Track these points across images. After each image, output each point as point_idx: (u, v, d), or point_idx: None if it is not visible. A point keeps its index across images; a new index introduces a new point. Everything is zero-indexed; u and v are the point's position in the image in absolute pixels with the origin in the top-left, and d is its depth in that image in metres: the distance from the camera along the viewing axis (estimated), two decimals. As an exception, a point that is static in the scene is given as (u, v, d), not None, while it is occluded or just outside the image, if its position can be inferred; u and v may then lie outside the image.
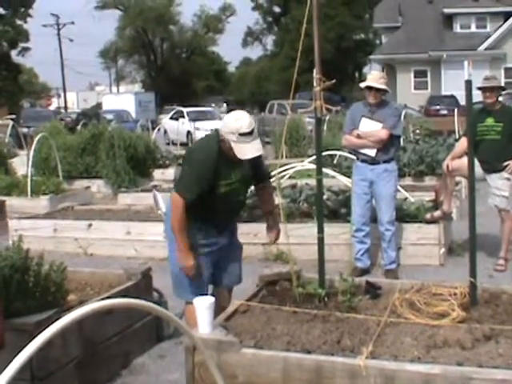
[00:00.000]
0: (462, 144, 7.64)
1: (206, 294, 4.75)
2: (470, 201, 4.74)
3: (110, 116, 34.16)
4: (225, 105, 62.41)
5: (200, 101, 61.50)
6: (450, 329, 4.12)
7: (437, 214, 8.13)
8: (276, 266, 6.67)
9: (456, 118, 20.22)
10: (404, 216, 8.25)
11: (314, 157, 5.73)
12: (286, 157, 16.81)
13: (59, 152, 14.57)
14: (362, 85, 7.61)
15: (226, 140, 4.71)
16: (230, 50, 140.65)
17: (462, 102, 21.57)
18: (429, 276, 6.76)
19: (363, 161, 7.61)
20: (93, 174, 15.51)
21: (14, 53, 62.61)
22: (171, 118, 34.65)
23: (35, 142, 13.52)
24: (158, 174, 16.18)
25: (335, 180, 9.57)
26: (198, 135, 23.54)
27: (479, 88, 7.69)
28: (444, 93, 38.65)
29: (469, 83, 4.57)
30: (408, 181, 13.11)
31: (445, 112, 31.01)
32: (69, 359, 4.67)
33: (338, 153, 12.66)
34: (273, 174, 9.34)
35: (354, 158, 7.93)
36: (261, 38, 79.34)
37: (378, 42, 57.05)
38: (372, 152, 7.51)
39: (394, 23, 45.79)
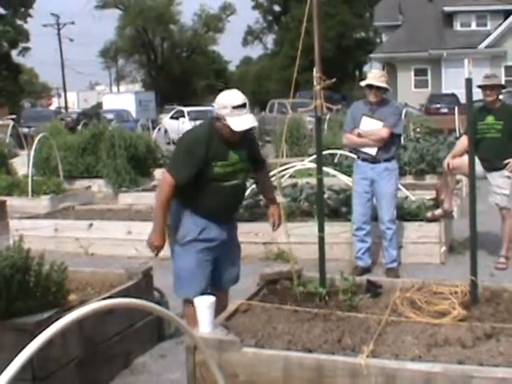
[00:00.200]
0: (463, 142, 7.64)
1: (207, 294, 4.75)
2: (470, 199, 4.74)
3: (110, 116, 34.17)
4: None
5: (200, 100, 61.49)
6: (451, 327, 4.12)
7: (438, 212, 8.13)
8: (277, 265, 6.67)
9: (456, 116, 20.21)
10: (405, 214, 8.24)
11: (315, 156, 5.73)
12: (287, 156, 16.81)
13: (60, 152, 14.57)
14: (363, 83, 7.60)
15: (221, 116, 4.76)
16: (231, 49, 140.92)
17: (463, 100, 21.52)
18: (430, 274, 6.77)
19: (364, 159, 7.61)
20: (93, 174, 15.51)
21: (14, 53, 62.71)
22: (172, 118, 34.67)
23: (36, 142, 13.52)
24: (158, 173, 16.12)
25: (336, 179, 9.56)
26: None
27: (479, 86, 7.69)
28: (444, 91, 38.63)
29: (469, 81, 4.57)
30: (409, 179, 13.11)
31: (445, 110, 31.02)
32: (70, 359, 4.66)
33: (339, 152, 12.67)
34: (273, 173, 9.36)
35: (355, 156, 7.93)
36: (261, 36, 79.37)
37: (378, 40, 57.06)
38: (373, 151, 7.50)
39: (395, 22, 45.78)
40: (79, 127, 22.02)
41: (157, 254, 5.02)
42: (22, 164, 16.18)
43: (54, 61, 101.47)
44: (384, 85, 7.43)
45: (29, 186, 12.26)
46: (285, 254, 8.08)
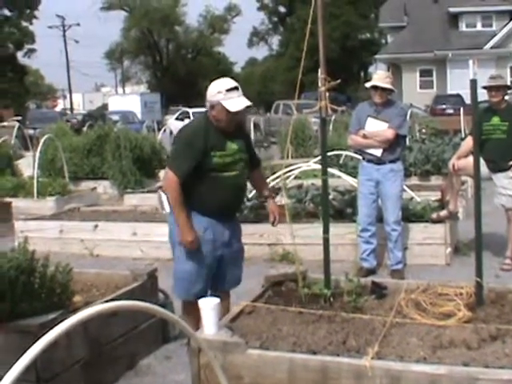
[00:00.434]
0: (468, 143, 7.62)
1: (208, 295, 4.75)
2: (475, 200, 4.73)
3: (115, 117, 34.21)
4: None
5: (205, 101, 61.29)
6: (456, 329, 4.11)
7: (443, 213, 8.11)
8: (282, 266, 6.67)
9: (462, 117, 20.18)
10: (410, 216, 8.23)
11: (320, 157, 5.72)
12: (292, 157, 16.80)
13: (65, 153, 14.61)
14: (368, 84, 7.59)
15: (215, 102, 4.86)
16: (236, 50, 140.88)
17: (468, 101, 21.46)
18: (435, 276, 6.75)
19: (369, 161, 7.60)
20: (99, 175, 15.53)
21: (19, 54, 62.85)
22: (177, 119, 34.70)
23: (41, 144, 13.54)
24: (163, 174, 16.15)
25: (341, 180, 9.55)
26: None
27: (485, 87, 7.67)
28: (450, 92, 38.56)
29: (474, 82, 4.55)
30: (414, 180, 13.10)
31: (451, 111, 30.99)
32: (74, 360, 4.66)
33: (344, 153, 12.66)
34: (279, 174, 9.36)
35: (360, 157, 7.92)
36: (266, 38, 79.39)
37: (383, 41, 56.99)
38: (378, 152, 7.49)
39: (400, 22, 45.72)
40: (84, 129, 22.05)
41: (197, 248, 4.96)
42: (28, 165, 16.23)
43: (60, 62, 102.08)
44: (389, 86, 7.42)
45: (34, 188, 12.28)
46: (290, 256, 8.07)
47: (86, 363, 4.76)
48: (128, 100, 51.02)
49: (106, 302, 4.14)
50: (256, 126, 26.95)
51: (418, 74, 43.40)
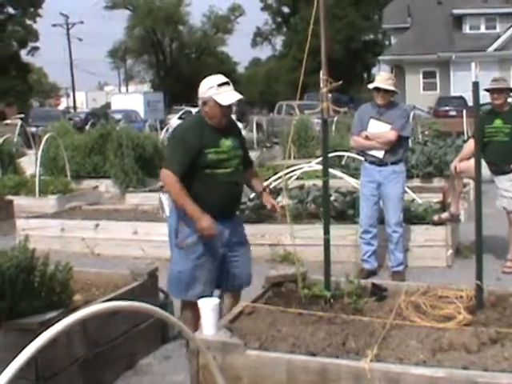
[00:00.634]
0: (470, 146, 7.60)
1: (208, 296, 4.75)
2: (476, 202, 4.72)
3: (118, 116, 34.23)
4: (234, 106, 62.30)
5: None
6: (456, 332, 4.10)
7: (444, 215, 8.10)
8: (283, 267, 6.65)
9: (465, 119, 20.16)
10: (412, 217, 8.22)
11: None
12: (295, 157, 16.79)
13: (67, 151, 14.60)
14: (370, 86, 7.59)
15: (207, 98, 4.91)
16: (239, 50, 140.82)
17: (471, 102, 21.46)
18: (436, 278, 6.74)
19: (371, 162, 7.59)
20: (101, 174, 15.50)
21: (23, 52, 62.91)
22: (180, 118, 34.65)
23: (43, 142, 13.54)
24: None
25: (343, 181, 9.54)
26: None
27: (487, 90, 7.66)
28: (453, 94, 38.52)
29: (476, 85, 4.54)
30: (416, 182, 13.06)
31: (454, 113, 30.98)
32: (74, 359, 4.66)
33: (347, 154, 12.64)
34: (280, 174, 9.35)
35: (362, 159, 7.91)
36: (270, 38, 79.45)
37: (386, 42, 56.95)
38: (380, 153, 7.48)
39: (403, 24, 45.73)
40: (87, 127, 22.04)
41: (215, 235, 4.92)
42: (30, 163, 16.23)
43: (63, 60, 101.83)
44: (391, 87, 7.41)
45: (36, 186, 12.27)
46: (291, 256, 8.05)
47: (86, 362, 4.76)
48: (131, 99, 51.00)
49: (106, 301, 4.14)
50: (259, 126, 26.95)
51: (421, 75, 43.38)
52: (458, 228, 8.70)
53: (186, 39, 78.47)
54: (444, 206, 8.48)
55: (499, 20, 42.21)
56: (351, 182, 9.22)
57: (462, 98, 33.81)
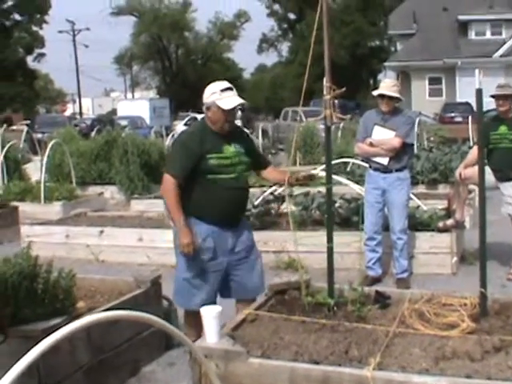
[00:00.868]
0: (475, 152, 7.57)
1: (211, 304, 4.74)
2: (480, 209, 4.70)
3: (124, 122, 34.27)
4: (240, 112, 62.41)
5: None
6: (459, 340, 4.08)
7: (449, 222, 8.08)
8: (287, 274, 6.64)
9: (470, 125, 20.12)
10: (416, 224, 8.20)
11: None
12: (300, 164, 16.78)
13: (73, 158, 14.63)
14: (375, 93, 7.57)
15: (210, 103, 4.96)
16: (245, 56, 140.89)
17: (477, 109, 21.41)
18: (440, 285, 6.73)
19: (376, 169, 7.59)
20: (106, 180, 15.52)
21: (29, 59, 63.15)
22: (185, 125, 34.67)
23: (48, 148, 13.56)
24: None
25: (348, 188, 9.52)
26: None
27: (492, 96, 7.65)
28: (459, 100, 38.46)
29: (479, 92, 4.54)
30: (421, 189, 13.04)
31: (459, 119, 30.93)
32: (77, 367, 4.66)
33: (352, 160, 12.63)
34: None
35: (367, 165, 7.90)
36: (276, 44, 79.43)
37: (392, 48, 56.93)
38: (384, 160, 7.47)
39: (409, 30, 45.69)
40: (93, 133, 22.07)
41: (194, 251, 4.94)
42: (36, 169, 16.26)
43: (69, 67, 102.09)
44: (396, 94, 7.40)
45: (41, 192, 12.29)
46: (295, 263, 8.03)
47: (89, 369, 4.76)
48: (137, 105, 51.04)
49: (109, 308, 4.14)
50: (264, 132, 26.95)
51: (427, 81, 43.33)
52: (462, 235, 8.68)
53: (192, 45, 78.60)
54: (449, 212, 8.45)
55: (505, 26, 42.13)
56: (356, 188, 9.20)
57: (467, 104, 33.72)
